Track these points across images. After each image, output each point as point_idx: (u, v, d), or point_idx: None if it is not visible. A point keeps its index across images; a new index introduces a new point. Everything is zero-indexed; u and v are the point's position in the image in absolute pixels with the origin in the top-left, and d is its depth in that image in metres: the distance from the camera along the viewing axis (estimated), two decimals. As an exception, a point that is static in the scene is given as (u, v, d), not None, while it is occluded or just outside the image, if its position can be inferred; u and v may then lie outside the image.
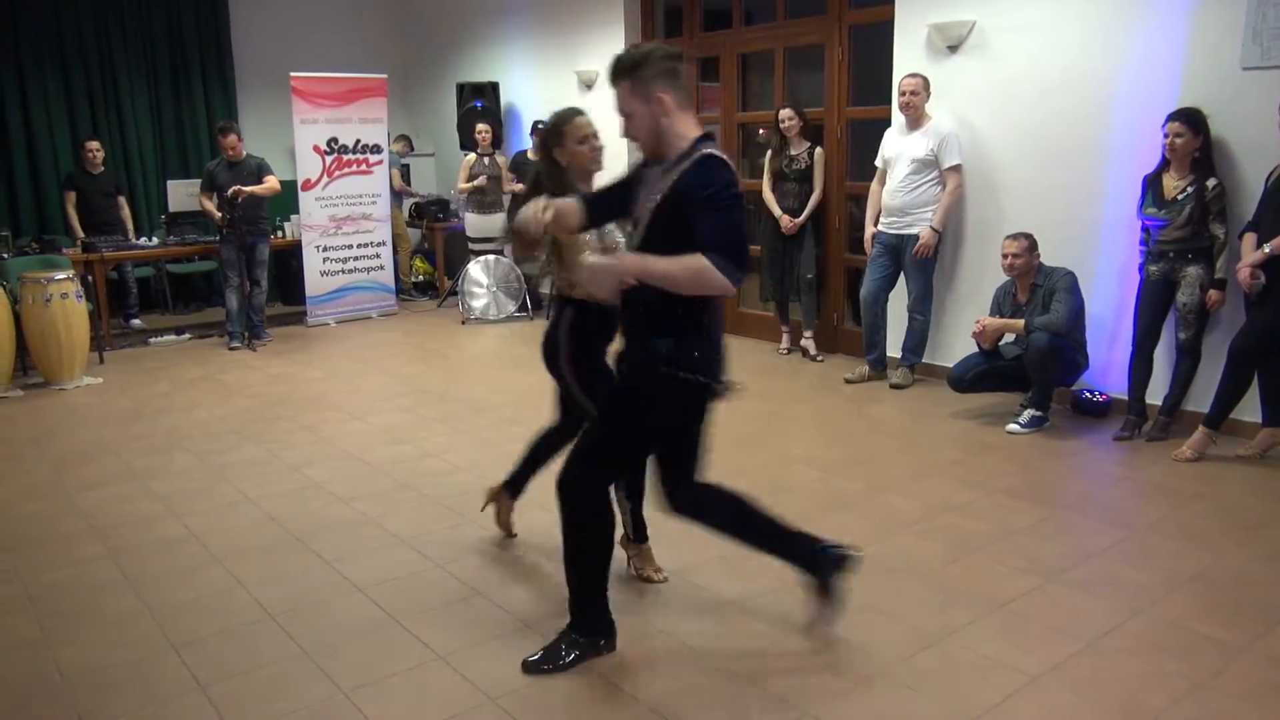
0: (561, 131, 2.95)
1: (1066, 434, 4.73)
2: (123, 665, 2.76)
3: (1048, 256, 4.81)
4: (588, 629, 2.72)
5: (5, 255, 6.73)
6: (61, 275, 5.99)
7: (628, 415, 2.59)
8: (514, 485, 3.51)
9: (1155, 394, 4.62)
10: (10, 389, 5.85)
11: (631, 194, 2.58)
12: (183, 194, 7.97)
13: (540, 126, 7.99)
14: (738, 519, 2.74)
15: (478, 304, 7.98)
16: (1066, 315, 4.60)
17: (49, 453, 4.76)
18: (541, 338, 3.14)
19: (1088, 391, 4.99)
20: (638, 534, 3.22)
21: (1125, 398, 4.68)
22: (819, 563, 2.74)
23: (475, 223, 8.20)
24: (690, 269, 2.31)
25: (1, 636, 2.94)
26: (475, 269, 8.00)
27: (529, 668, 2.66)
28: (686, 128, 2.44)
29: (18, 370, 6.04)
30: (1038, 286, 4.76)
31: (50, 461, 4.62)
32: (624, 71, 2.43)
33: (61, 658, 2.81)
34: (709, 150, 2.40)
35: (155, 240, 7.79)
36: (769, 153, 6.35)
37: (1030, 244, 4.75)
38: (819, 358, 6.31)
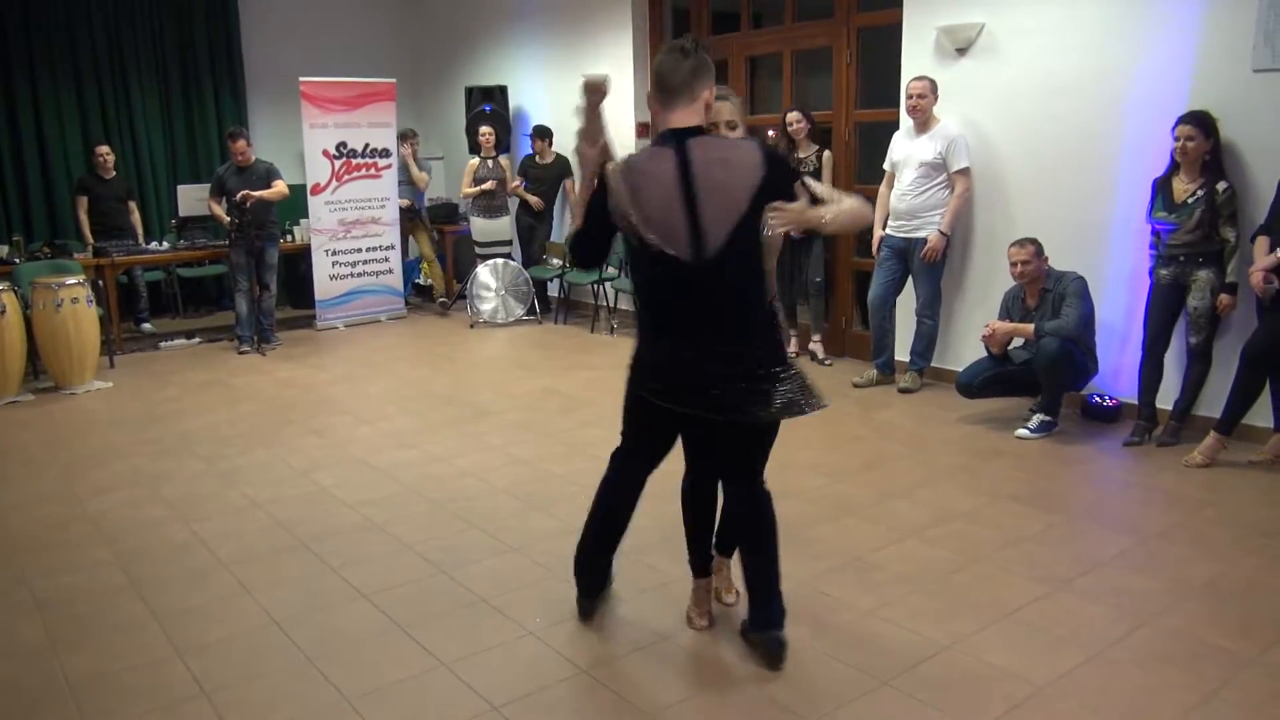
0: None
1: (1076, 439, 4.71)
2: (128, 671, 2.77)
3: (1056, 260, 4.78)
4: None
5: (17, 260, 6.78)
6: (72, 280, 6.03)
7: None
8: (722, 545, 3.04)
9: (1166, 399, 4.59)
10: (21, 393, 5.89)
11: None
12: (193, 198, 8.01)
13: (537, 128, 7.99)
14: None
15: (486, 307, 7.98)
16: (1077, 320, 4.57)
17: (59, 457, 4.79)
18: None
19: (1097, 396, 4.96)
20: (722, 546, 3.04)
21: (1135, 403, 4.65)
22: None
23: (481, 227, 8.20)
24: None
25: (9, 641, 2.96)
26: (484, 272, 8.00)
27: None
28: (665, 125, 2.62)
29: (29, 375, 6.07)
30: (1047, 291, 4.73)
31: (60, 465, 4.65)
32: None
33: (68, 664, 2.82)
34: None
35: (165, 245, 7.83)
36: (777, 156, 6.33)
37: (1037, 249, 4.72)
38: (827, 362, 6.30)
